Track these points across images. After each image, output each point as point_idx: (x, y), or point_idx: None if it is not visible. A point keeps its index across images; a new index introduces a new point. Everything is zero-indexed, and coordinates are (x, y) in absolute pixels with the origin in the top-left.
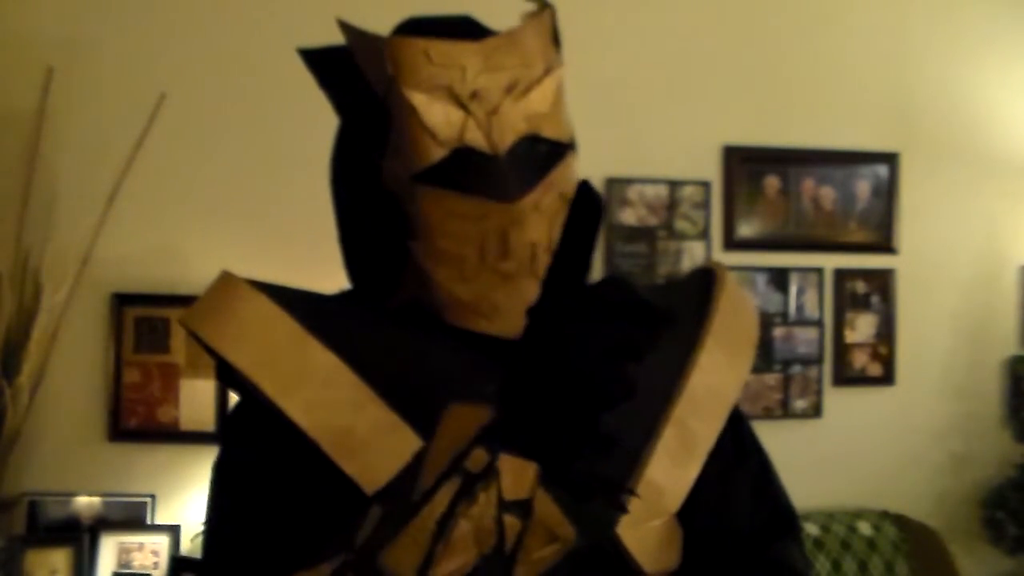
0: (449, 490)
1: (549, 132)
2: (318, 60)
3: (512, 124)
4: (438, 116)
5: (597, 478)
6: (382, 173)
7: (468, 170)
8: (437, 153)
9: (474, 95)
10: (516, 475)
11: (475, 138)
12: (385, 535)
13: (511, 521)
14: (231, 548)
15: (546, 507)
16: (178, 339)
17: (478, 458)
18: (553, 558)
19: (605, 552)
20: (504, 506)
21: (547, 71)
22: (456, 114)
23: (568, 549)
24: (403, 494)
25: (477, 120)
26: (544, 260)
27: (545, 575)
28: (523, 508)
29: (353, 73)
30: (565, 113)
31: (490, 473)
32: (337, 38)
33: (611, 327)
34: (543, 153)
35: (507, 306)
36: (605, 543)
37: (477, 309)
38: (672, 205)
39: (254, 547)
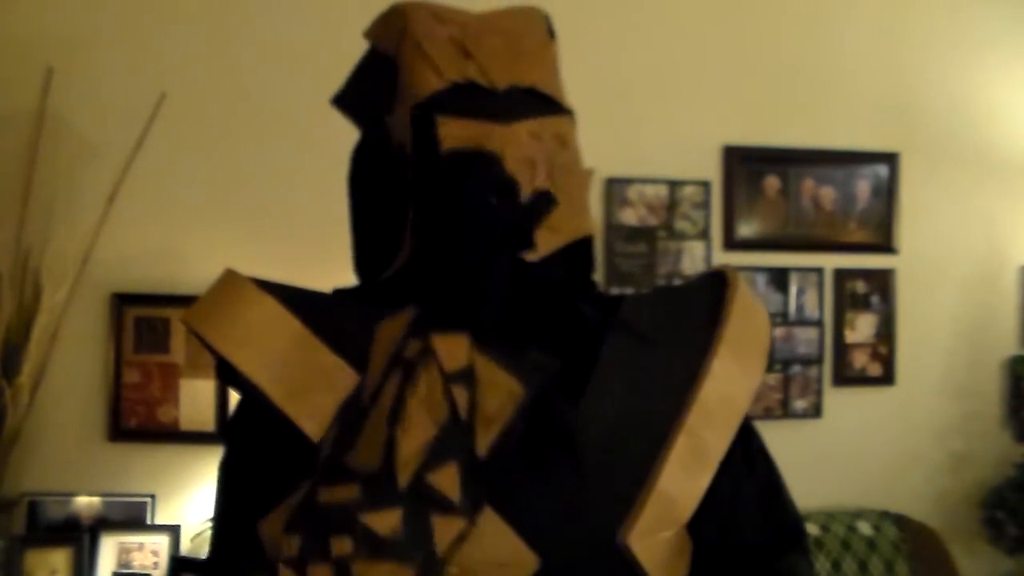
0: (394, 381)
1: (547, 89)
2: (342, 96)
3: (510, 73)
4: (441, 53)
5: (517, 334)
6: (389, 132)
7: (467, 99)
8: (438, 84)
9: (477, 44)
10: (451, 348)
11: (475, 75)
12: (345, 444)
13: (459, 390)
14: (232, 548)
15: (487, 369)
16: (178, 339)
17: (412, 346)
18: (509, 413)
19: (617, 563)
20: (448, 378)
21: (543, 45)
22: (458, 55)
23: (520, 402)
24: (354, 403)
25: (477, 63)
26: (543, 181)
27: (507, 439)
28: (467, 376)
29: (368, 62)
30: (562, 88)
31: (426, 354)
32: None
33: (482, 198)
34: (541, 101)
35: None
36: (617, 555)
37: None
38: (672, 205)
39: (255, 547)
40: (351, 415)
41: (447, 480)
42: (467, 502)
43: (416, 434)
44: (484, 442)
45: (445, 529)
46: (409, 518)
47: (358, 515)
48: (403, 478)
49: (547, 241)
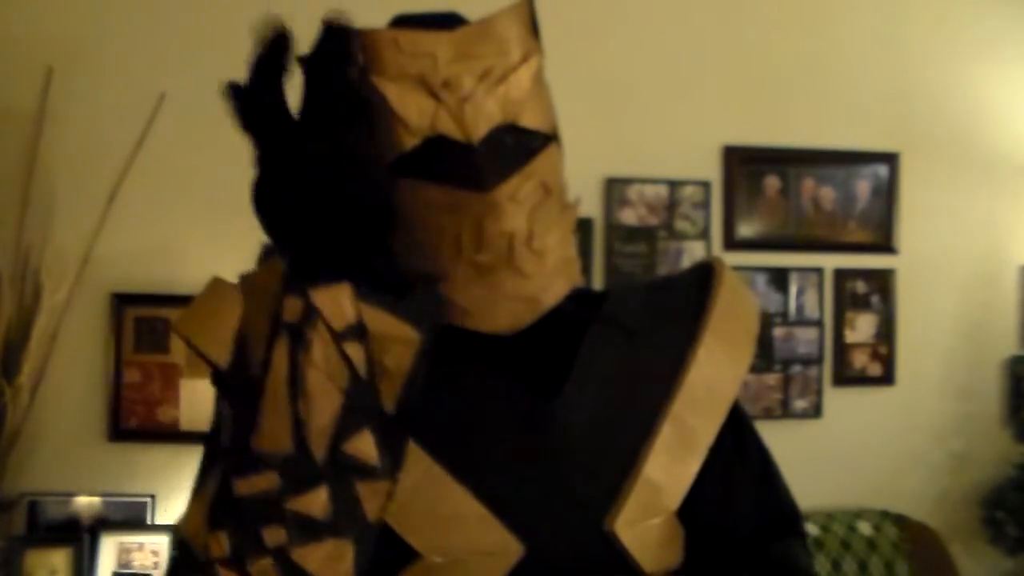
0: (282, 349)
1: (527, 121)
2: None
3: (486, 113)
4: (409, 105)
5: (399, 270)
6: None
7: (441, 159)
8: (409, 142)
9: (446, 83)
10: (334, 303)
11: (448, 127)
12: (247, 423)
13: (353, 348)
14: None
15: (376, 319)
16: (178, 339)
17: (292, 307)
18: (409, 360)
19: (603, 551)
20: (339, 337)
21: (523, 59)
22: (427, 103)
23: (418, 347)
24: (242, 377)
25: (449, 109)
26: (523, 254)
27: (411, 389)
28: (358, 331)
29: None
30: (546, 104)
31: (310, 314)
32: None
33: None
34: (521, 143)
35: (486, 301)
36: (603, 543)
37: (456, 304)
38: (672, 205)
39: None
40: (243, 390)
41: (364, 446)
42: (387, 461)
43: (323, 407)
44: (390, 398)
45: (371, 494)
46: (335, 493)
47: (284, 503)
48: (319, 454)
49: (525, 314)
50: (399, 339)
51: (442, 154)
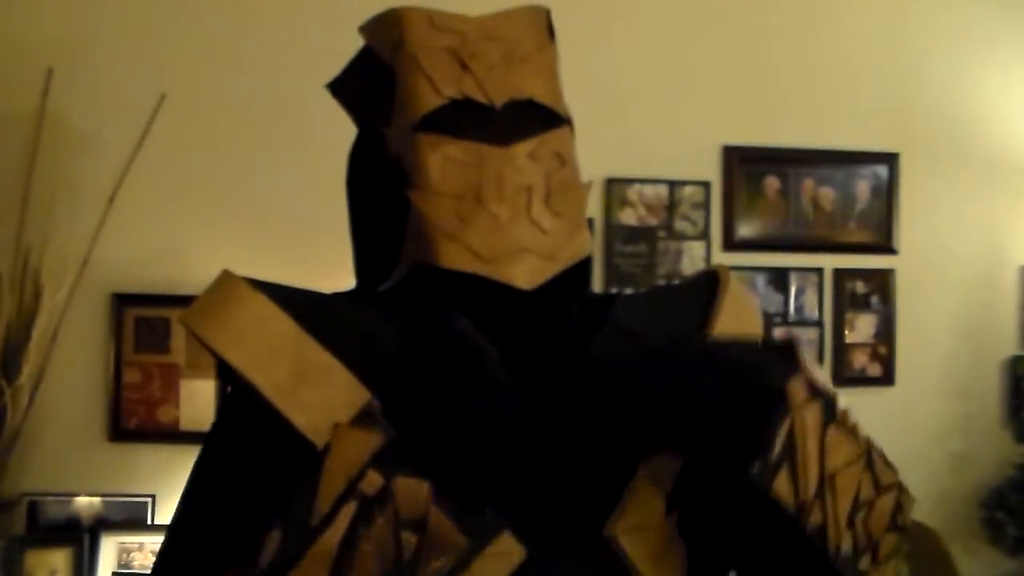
0: (347, 513)
1: (545, 100)
2: (339, 85)
3: (508, 86)
4: (438, 68)
5: (486, 487)
6: (386, 144)
7: (465, 117)
8: (436, 101)
9: (473, 55)
10: (411, 495)
11: (473, 91)
12: (287, 559)
13: (408, 537)
14: (207, 549)
15: (439, 521)
16: (178, 339)
17: (373, 481)
18: (447, 566)
19: (604, 556)
20: (401, 524)
21: (541, 49)
22: (456, 69)
23: (460, 555)
24: (301, 517)
25: (475, 76)
26: (540, 209)
27: None
28: (419, 525)
29: (366, 63)
30: (561, 92)
31: (386, 496)
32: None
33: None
34: (538, 115)
35: (504, 251)
36: (604, 548)
37: (474, 250)
38: (672, 205)
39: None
40: (296, 530)
41: None
42: None
43: None
44: None
45: None
46: None
47: None
48: None
49: (542, 270)
50: (451, 546)
51: (466, 113)
